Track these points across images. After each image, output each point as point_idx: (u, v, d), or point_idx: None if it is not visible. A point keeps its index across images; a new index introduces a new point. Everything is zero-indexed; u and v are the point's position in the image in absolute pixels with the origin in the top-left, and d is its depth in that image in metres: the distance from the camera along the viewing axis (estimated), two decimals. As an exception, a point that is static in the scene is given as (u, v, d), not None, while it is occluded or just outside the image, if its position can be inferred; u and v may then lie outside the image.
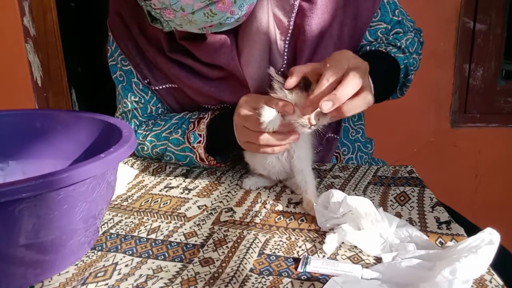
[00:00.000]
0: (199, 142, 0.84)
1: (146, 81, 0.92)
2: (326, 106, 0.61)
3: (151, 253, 0.62)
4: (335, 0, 0.84)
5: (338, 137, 0.97)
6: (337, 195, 0.66)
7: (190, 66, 0.86)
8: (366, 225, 0.62)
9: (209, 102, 0.90)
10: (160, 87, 0.92)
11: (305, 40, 0.84)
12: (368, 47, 0.90)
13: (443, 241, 0.62)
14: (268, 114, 0.67)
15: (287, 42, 0.86)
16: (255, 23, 0.83)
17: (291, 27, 0.85)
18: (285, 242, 0.64)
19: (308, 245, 0.63)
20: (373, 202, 0.65)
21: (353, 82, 0.63)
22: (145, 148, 0.94)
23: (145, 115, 0.97)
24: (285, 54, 0.86)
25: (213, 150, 0.86)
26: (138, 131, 0.95)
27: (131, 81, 0.94)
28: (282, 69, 0.87)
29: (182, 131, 0.88)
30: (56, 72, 1.98)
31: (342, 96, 0.62)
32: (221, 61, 0.83)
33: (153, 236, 0.67)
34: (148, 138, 0.93)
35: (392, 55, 0.87)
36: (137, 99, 0.95)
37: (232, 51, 0.83)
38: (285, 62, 0.87)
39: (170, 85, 0.91)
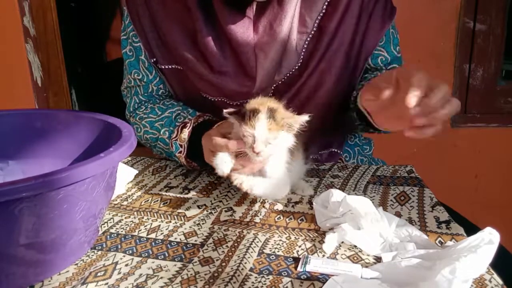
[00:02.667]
0: (180, 152, 0.85)
1: (153, 60, 0.94)
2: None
3: (151, 252, 0.62)
4: (352, 11, 0.88)
5: (341, 152, 1.00)
6: (336, 194, 0.66)
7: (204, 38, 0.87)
8: (365, 224, 0.62)
9: (209, 92, 0.91)
10: (166, 67, 0.94)
11: (322, 42, 0.88)
12: (370, 76, 0.93)
13: (442, 241, 0.62)
14: (220, 160, 0.69)
15: (307, 42, 0.89)
16: (279, 15, 0.85)
17: (314, 28, 0.88)
18: (285, 242, 0.64)
19: (308, 245, 0.63)
20: (373, 202, 0.65)
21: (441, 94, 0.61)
22: (139, 130, 0.97)
23: (146, 94, 0.99)
24: (302, 53, 0.89)
25: (196, 154, 0.86)
26: (137, 111, 0.99)
27: (138, 58, 0.96)
28: (293, 70, 0.90)
29: (168, 134, 0.90)
30: (56, 72, 1.98)
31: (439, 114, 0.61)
32: (237, 35, 0.85)
33: (153, 235, 0.67)
34: (143, 122, 0.95)
35: None
36: (140, 77, 0.97)
37: (248, 29, 0.85)
38: (300, 61, 0.89)
39: (176, 67, 0.93)
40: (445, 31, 1.70)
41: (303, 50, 0.89)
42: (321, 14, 0.88)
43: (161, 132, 0.91)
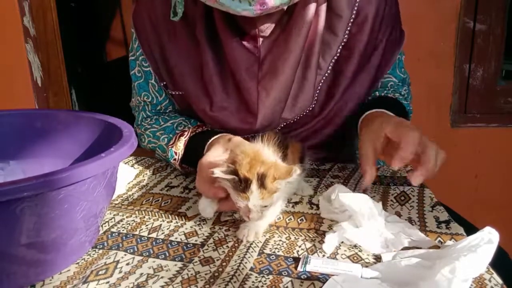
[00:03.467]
0: (175, 159, 0.86)
1: (162, 84, 0.94)
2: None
3: (152, 252, 0.63)
4: (365, 54, 0.88)
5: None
6: (338, 190, 0.66)
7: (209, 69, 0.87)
8: (363, 221, 0.62)
9: (212, 125, 0.91)
10: (176, 93, 0.94)
11: (339, 85, 0.89)
12: (377, 93, 0.94)
13: (442, 241, 0.62)
14: (203, 206, 0.70)
15: (321, 82, 0.89)
16: (284, 54, 0.84)
17: (328, 71, 0.88)
18: (285, 242, 0.64)
19: (308, 245, 0.63)
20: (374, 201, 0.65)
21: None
22: (143, 140, 0.98)
23: (154, 111, 1.00)
24: (316, 94, 0.89)
25: (192, 162, 0.85)
26: (143, 123, 1.00)
27: (148, 81, 0.97)
28: (307, 111, 0.90)
29: (167, 141, 0.90)
30: (56, 72, 1.98)
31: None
32: (241, 71, 0.85)
33: (154, 235, 0.67)
34: (147, 132, 0.96)
35: (401, 101, 0.93)
36: (149, 99, 0.98)
37: (253, 66, 0.85)
38: (314, 101, 0.90)
39: (184, 93, 0.93)
40: (445, 31, 1.70)
41: (317, 91, 0.89)
42: (335, 58, 0.88)
43: (160, 139, 0.92)
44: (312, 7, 0.82)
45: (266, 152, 0.65)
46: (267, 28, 0.84)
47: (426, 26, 1.67)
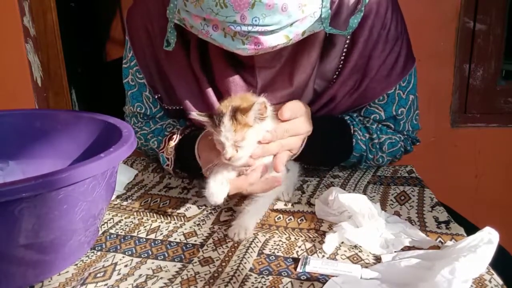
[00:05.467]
0: (167, 165, 0.84)
1: (157, 96, 0.91)
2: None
3: (150, 253, 0.62)
4: (356, 77, 0.83)
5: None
6: (335, 192, 0.66)
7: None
8: (363, 222, 0.62)
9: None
10: (172, 108, 0.91)
11: (334, 109, 0.84)
12: (347, 117, 0.86)
13: (442, 241, 0.62)
14: (212, 189, 0.65)
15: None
16: (287, 88, 0.81)
17: (325, 95, 0.84)
18: (285, 242, 0.64)
19: (308, 245, 0.63)
20: (373, 202, 0.65)
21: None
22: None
23: (146, 118, 0.97)
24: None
25: (184, 166, 0.85)
26: (134, 126, 0.97)
27: (142, 93, 0.93)
28: None
29: (157, 143, 0.89)
30: (56, 72, 1.97)
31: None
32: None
33: (152, 236, 0.67)
34: (138, 135, 0.94)
35: (354, 140, 0.84)
36: (143, 111, 0.94)
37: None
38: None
39: (180, 107, 0.89)
40: (445, 31, 1.70)
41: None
42: (332, 82, 0.83)
43: (151, 142, 0.91)
44: (317, 36, 0.79)
45: (257, 98, 0.66)
46: (266, 61, 0.80)
47: (426, 26, 1.67)
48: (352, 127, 0.85)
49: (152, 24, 0.85)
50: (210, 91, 0.83)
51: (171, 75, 0.86)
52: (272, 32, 0.67)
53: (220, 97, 0.82)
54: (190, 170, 0.83)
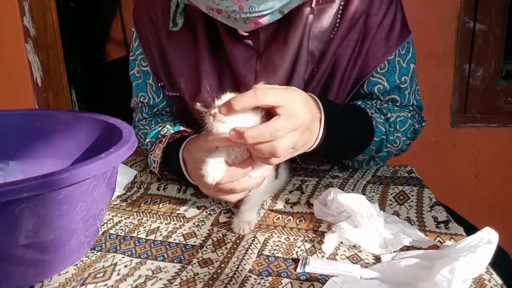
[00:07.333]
0: (154, 168, 0.85)
1: (160, 84, 0.94)
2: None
3: (150, 253, 0.62)
4: (351, 36, 0.83)
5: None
6: (333, 193, 0.66)
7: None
8: (362, 221, 0.62)
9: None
10: (172, 94, 0.93)
11: (320, 68, 0.84)
12: (359, 102, 0.87)
13: (441, 240, 0.62)
14: (210, 168, 0.63)
15: (315, 71, 0.85)
16: (283, 50, 0.83)
17: (318, 56, 0.85)
18: (284, 243, 0.64)
19: (307, 245, 0.63)
20: (372, 201, 0.65)
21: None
22: (138, 142, 0.96)
23: (150, 113, 0.99)
24: (304, 79, 0.86)
25: (171, 168, 0.84)
26: (138, 124, 1.00)
27: (146, 81, 0.96)
28: None
29: (150, 145, 0.90)
30: (56, 72, 1.98)
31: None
32: (239, 67, 0.84)
33: (152, 236, 0.67)
34: (140, 133, 0.96)
35: (374, 122, 0.83)
36: (146, 100, 0.97)
37: (251, 60, 0.84)
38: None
39: (180, 94, 0.92)
40: (445, 31, 1.70)
41: (304, 77, 0.86)
42: (329, 43, 0.84)
43: (146, 143, 0.92)
44: (307, 6, 0.82)
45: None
46: (267, 26, 0.83)
47: (426, 26, 1.67)
48: (368, 110, 0.84)
49: (154, 8, 0.90)
50: (209, 73, 0.86)
51: (172, 53, 0.89)
52: (268, 14, 0.76)
53: (219, 69, 0.87)
54: (176, 173, 0.83)
